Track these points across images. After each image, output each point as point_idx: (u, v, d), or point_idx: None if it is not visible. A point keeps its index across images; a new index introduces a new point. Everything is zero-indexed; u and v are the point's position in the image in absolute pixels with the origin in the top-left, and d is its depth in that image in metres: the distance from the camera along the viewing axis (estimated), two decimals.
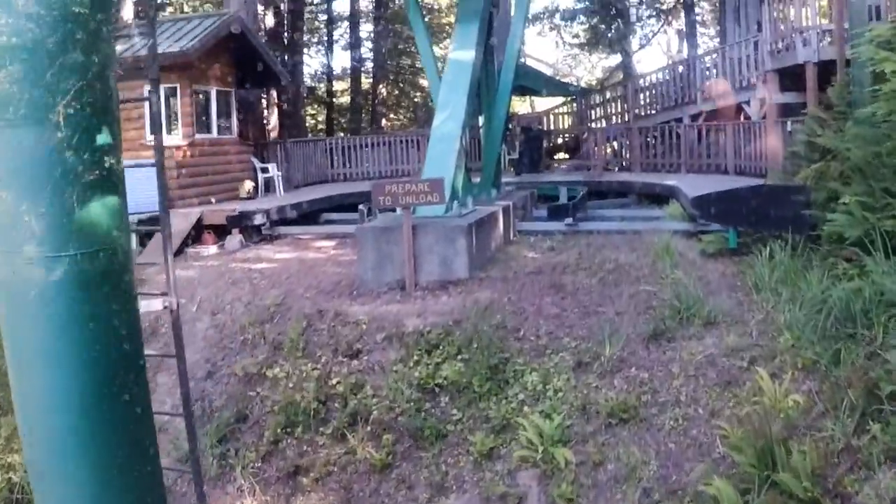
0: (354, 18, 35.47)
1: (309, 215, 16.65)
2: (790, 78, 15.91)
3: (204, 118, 17.00)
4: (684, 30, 32.70)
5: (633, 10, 17.73)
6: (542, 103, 31.22)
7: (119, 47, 16.16)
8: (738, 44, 19.54)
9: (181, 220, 14.81)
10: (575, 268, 10.61)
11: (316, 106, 40.66)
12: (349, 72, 36.79)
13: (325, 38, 36.96)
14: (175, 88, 15.96)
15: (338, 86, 40.03)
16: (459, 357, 8.59)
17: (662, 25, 32.55)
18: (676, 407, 7.48)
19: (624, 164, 22.08)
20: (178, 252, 14.03)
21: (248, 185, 17.43)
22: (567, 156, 26.24)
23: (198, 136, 16.47)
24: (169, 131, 15.93)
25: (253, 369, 9.66)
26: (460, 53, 13.17)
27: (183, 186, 15.92)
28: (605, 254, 11.31)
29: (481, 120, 15.67)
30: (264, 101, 34.87)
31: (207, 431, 9.24)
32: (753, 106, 18.70)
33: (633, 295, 9.47)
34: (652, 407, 7.57)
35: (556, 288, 9.85)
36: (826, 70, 14.43)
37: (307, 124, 41.41)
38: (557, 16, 29.49)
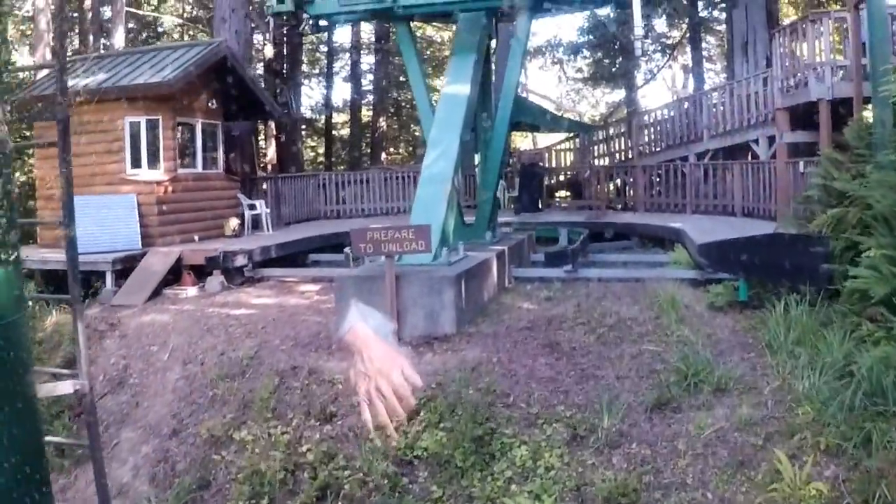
0: (355, 50, 34.94)
1: (296, 256, 15.87)
2: (802, 116, 15.20)
3: (188, 152, 16.29)
4: (690, 65, 32.13)
5: (637, 44, 17.00)
6: (545, 139, 30.58)
7: (103, 75, 15.57)
8: (747, 80, 18.84)
9: (160, 260, 14.09)
10: (572, 322, 9.76)
11: (316, 138, 40.14)
12: (349, 104, 36.26)
13: (326, 70, 36.38)
14: (157, 120, 15.23)
15: (339, 118, 39.52)
16: (441, 426, 7.72)
17: (668, 60, 31.92)
18: (682, 490, 6.62)
19: (627, 203, 21.31)
20: (156, 293, 13.29)
21: (234, 222, 16.67)
22: (569, 194, 25.52)
23: (181, 170, 15.74)
24: (151, 165, 15.20)
25: (219, 431, 8.88)
26: (454, 88, 12.44)
27: (164, 223, 15.17)
28: (606, 305, 10.47)
29: (477, 158, 14.92)
30: (262, 134, 34.41)
31: (168, 498, 8.44)
32: (762, 145, 17.97)
33: (635, 356, 8.62)
34: (655, 490, 6.71)
35: (552, 346, 8.99)
36: (840, 108, 13.75)
37: (307, 157, 40.89)
38: (560, 49, 28.67)
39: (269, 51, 32.92)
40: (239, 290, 13.53)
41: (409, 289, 9.35)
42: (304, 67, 40.61)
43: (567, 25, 65.50)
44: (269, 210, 17.85)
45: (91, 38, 25.69)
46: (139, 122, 15.09)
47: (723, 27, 28.81)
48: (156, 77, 14.89)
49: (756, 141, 18.15)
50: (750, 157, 19.27)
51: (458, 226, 12.56)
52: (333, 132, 39.14)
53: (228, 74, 16.60)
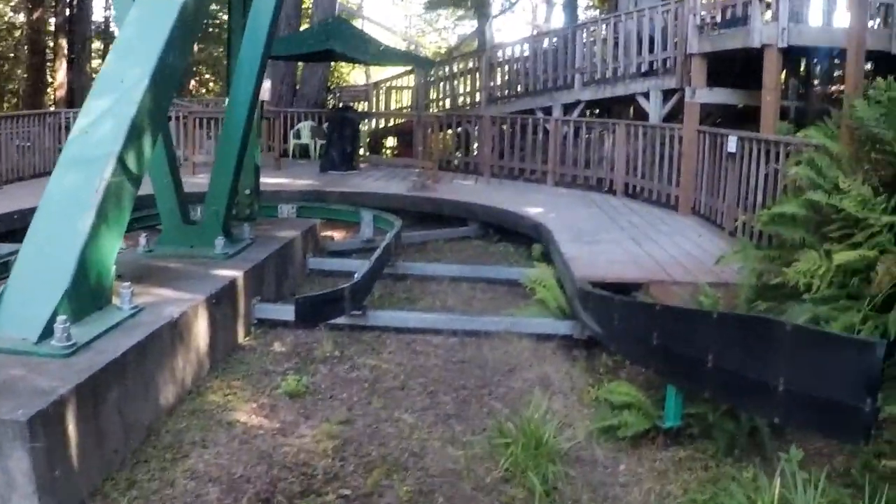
0: None
1: None
2: (721, 66, 10.63)
3: None
4: None
5: None
6: (378, 73, 25.04)
7: None
8: (639, 12, 13.88)
9: None
10: (321, 488, 4.47)
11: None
12: None
13: None
14: None
15: None
16: None
17: None
18: None
19: (469, 164, 16.24)
20: None
21: None
22: (397, 144, 20.41)
23: None
24: None
25: None
26: None
27: None
28: (405, 423, 5.27)
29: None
30: (52, 53, 27.33)
31: None
32: (654, 100, 13.19)
33: None
34: None
35: None
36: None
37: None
38: None
39: None
40: None
41: None
42: None
43: None
44: None
45: None
46: None
47: None
48: None
49: (646, 94, 13.35)
50: (632, 116, 14.69)
51: (168, 236, 7.25)
52: None
53: None
